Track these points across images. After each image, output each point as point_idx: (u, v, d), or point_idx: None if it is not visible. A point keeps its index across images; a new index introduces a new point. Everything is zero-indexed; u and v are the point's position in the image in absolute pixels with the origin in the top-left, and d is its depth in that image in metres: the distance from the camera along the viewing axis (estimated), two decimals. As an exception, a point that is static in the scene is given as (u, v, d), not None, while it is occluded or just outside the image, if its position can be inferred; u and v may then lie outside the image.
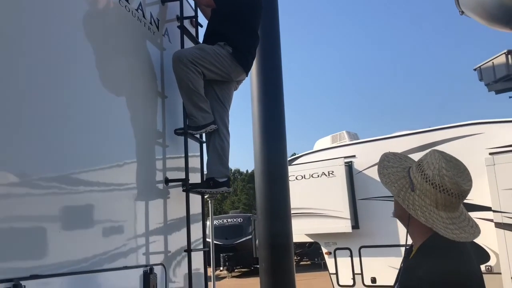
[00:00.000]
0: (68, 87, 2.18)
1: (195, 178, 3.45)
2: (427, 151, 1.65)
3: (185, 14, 3.54)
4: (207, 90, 3.30)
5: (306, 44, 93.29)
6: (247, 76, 3.53)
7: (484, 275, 1.60)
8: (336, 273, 8.13)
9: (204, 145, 3.56)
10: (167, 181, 3.07)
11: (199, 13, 3.83)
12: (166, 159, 3.16)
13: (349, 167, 8.10)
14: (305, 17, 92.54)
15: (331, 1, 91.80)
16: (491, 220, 6.48)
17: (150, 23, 3.14)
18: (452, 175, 1.49)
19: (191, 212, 3.17)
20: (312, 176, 8.23)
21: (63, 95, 2.14)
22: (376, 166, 1.72)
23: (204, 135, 3.48)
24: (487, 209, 6.55)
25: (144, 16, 3.03)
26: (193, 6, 3.80)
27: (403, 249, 1.81)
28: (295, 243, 6.42)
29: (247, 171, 57.91)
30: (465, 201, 1.56)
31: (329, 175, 8.09)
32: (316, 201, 8.04)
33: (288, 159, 9.33)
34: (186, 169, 3.15)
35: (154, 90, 3.17)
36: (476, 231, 1.53)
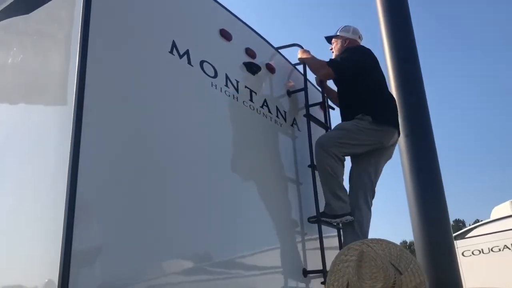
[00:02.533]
0: (220, 183, 2.56)
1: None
2: None
3: (313, 100, 3.60)
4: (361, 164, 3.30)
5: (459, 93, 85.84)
6: (399, 133, 3.37)
7: None
8: None
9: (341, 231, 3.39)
10: (305, 272, 2.99)
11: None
12: (305, 247, 3.11)
13: (539, 237, 6.88)
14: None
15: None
16: None
17: (277, 116, 3.28)
18: (356, 280, 1.68)
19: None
20: (492, 250, 7.17)
21: (212, 189, 2.49)
22: None
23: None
24: None
25: (270, 111, 3.19)
26: (320, 90, 3.81)
27: None
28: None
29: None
30: None
31: (513, 248, 6.95)
32: (500, 279, 6.90)
33: (461, 231, 8.37)
34: (323, 259, 3.02)
35: (288, 178, 3.23)
36: None
